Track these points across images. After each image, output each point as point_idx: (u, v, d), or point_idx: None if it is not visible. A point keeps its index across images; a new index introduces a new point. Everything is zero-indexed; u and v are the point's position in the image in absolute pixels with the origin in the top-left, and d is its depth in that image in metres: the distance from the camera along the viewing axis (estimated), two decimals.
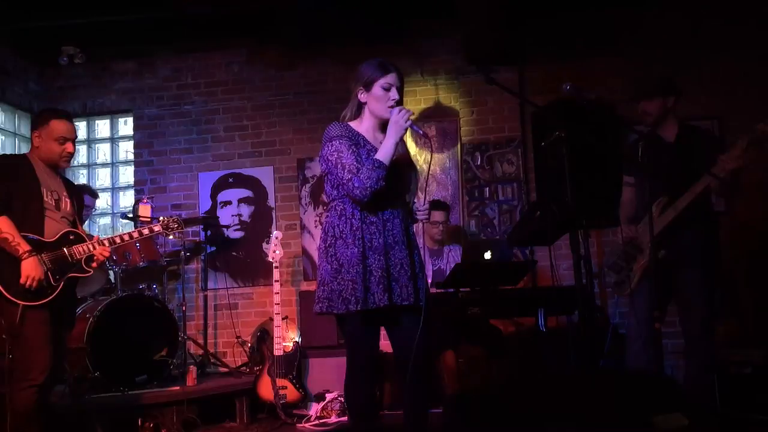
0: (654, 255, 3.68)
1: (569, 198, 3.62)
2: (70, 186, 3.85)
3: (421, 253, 3.22)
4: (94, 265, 3.69)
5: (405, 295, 3.00)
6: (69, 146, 3.68)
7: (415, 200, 3.22)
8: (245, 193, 6.52)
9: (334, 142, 3.06)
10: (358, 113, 3.20)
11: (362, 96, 3.15)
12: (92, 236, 3.77)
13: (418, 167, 3.32)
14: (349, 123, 3.18)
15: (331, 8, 5.75)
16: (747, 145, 3.66)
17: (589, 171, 4.01)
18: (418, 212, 3.15)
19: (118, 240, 3.79)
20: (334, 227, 3.06)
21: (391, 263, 3.01)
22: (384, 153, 2.99)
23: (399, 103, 3.09)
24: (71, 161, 3.79)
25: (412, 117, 3.03)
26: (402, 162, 3.18)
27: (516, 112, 6.19)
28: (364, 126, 3.17)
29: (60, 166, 3.73)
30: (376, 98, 3.10)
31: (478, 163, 6.20)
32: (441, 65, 6.35)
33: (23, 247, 3.39)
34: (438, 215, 5.21)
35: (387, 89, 3.09)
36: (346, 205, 3.06)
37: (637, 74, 5.11)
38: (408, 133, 3.12)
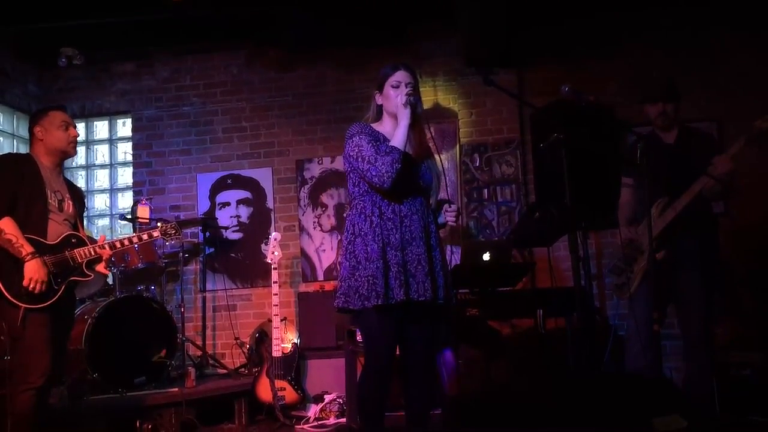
0: (652, 256, 3.68)
1: (568, 199, 3.61)
2: (72, 187, 3.85)
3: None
4: (97, 268, 3.69)
5: (422, 291, 3.01)
6: (72, 131, 3.70)
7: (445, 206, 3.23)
8: (244, 194, 6.52)
9: (354, 138, 3.12)
10: (378, 116, 3.26)
11: (378, 99, 3.23)
12: (94, 239, 3.76)
13: (439, 168, 3.32)
14: (370, 124, 3.23)
15: (329, 10, 5.76)
16: (744, 144, 3.67)
17: (588, 172, 3.99)
18: (447, 214, 3.16)
19: (117, 245, 3.79)
20: (355, 225, 3.11)
21: (408, 259, 3.03)
22: (396, 138, 3.05)
23: (410, 89, 3.12)
24: (76, 147, 3.80)
25: (410, 95, 3.07)
26: (421, 158, 3.22)
27: (515, 114, 6.20)
28: (384, 128, 3.22)
29: (69, 152, 3.73)
30: (387, 97, 3.17)
31: (477, 164, 6.20)
32: (440, 67, 6.35)
33: (26, 248, 3.38)
34: None
35: (396, 87, 3.13)
36: (366, 203, 3.11)
37: (642, 76, 5.11)
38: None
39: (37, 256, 3.40)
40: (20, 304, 3.37)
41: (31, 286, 3.36)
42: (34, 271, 3.37)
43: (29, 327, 3.39)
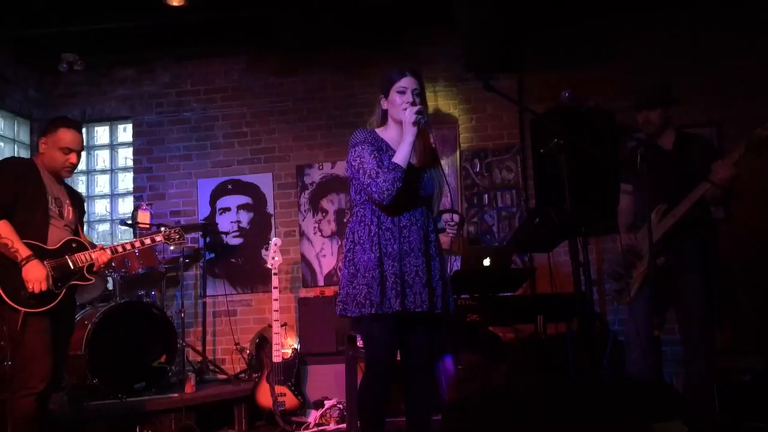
0: (653, 261, 3.68)
1: (568, 205, 3.62)
2: (72, 193, 3.85)
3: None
4: (95, 269, 3.68)
5: (418, 302, 3.01)
6: (72, 157, 3.66)
7: (446, 217, 3.21)
8: (244, 199, 6.52)
9: (357, 148, 3.10)
10: (383, 121, 3.24)
11: (384, 103, 3.20)
12: (94, 244, 3.76)
13: (443, 177, 3.28)
14: (374, 130, 3.21)
15: (329, 14, 5.77)
16: (744, 151, 3.67)
17: (588, 178, 4.01)
18: (447, 225, 3.16)
19: (120, 249, 3.79)
20: (354, 233, 3.10)
21: (405, 270, 3.03)
22: (399, 154, 3.02)
23: (418, 104, 3.09)
24: (73, 172, 3.77)
25: (420, 113, 3.03)
26: (424, 168, 3.20)
27: (515, 120, 6.20)
28: (388, 133, 3.20)
29: (61, 175, 3.71)
30: (393, 103, 3.14)
31: (477, 170, 6.21)
32: (440, 72, 6.36)
33: (22, 253, 3.38)
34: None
35: (402, 93, 3.11)
36: (366, 211, 3.11)
37: (636, 82, 5.13)
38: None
39: (34, 258, 3.40)
40: (20, 308, 3.37)
41: (33, 287, 3.36)
42: (33, 273, 3.37)
43: (30, 332, 3.39)
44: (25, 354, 3.40)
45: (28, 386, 3.39)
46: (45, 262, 3.45)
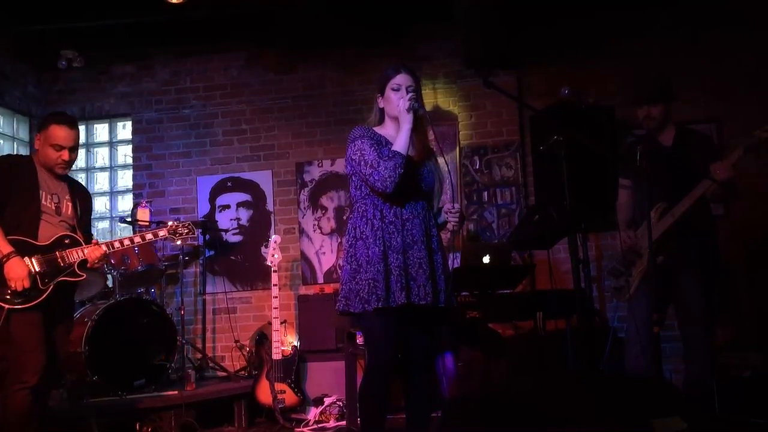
0: (653, 258, 3.68)
1: (568, 202, 3.61)
2: (76, 190, 3.80)
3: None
4: (89, 265, 3.64)
5: (422, 294, 3.01)
6: (64, 154, 3.60)
7: (447, 206, 3.22)
8: (244, 197, 6.52)
9: (356, 142, 3.11)
10: (381, 119, 3.26)
11: (380, 102, 3.22)
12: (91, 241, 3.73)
13: (442, 172, 3.30)
14: (372, 127, 3.22)
15: (329, 12, 5.76)
16: (743, 153, 3.66)
17: (588, 175, 3.99)
18: (448, 215, 3.15)
19: (117, 245, 3.76)
20: (356, 228, 3.10)
21: (409, 262, 3.03)
22: (398, 142, 3.04)
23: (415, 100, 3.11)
24: (68, 168, 3.71)
25: (413, 100, 3.05)
26: (423, 162, 3.21)
27: (514, 116, 6.20)
28: (386, 131, 3.22)
29: (55, 171, 3.66)
30: (388, 100, 3.15)
31: (477, 166, 6.20)
32: (439, 69, 6.35)
33: (3, 249, 3.37)
34: None
35: (397, 90, 3.12)
36: (368, 206, 3.11)
37: (636, 78, 5.12)
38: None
39: (15, 255, 3.38)
40: (3, 305, 3.37)
41: (14, 285, 3.35)
42: (13, 271, 3.36)
43: (17, 327, 3.39)
44: (16, 349, 3.41)
45: (21, 380, 3.38)
46: (33, 258, 3.44)
